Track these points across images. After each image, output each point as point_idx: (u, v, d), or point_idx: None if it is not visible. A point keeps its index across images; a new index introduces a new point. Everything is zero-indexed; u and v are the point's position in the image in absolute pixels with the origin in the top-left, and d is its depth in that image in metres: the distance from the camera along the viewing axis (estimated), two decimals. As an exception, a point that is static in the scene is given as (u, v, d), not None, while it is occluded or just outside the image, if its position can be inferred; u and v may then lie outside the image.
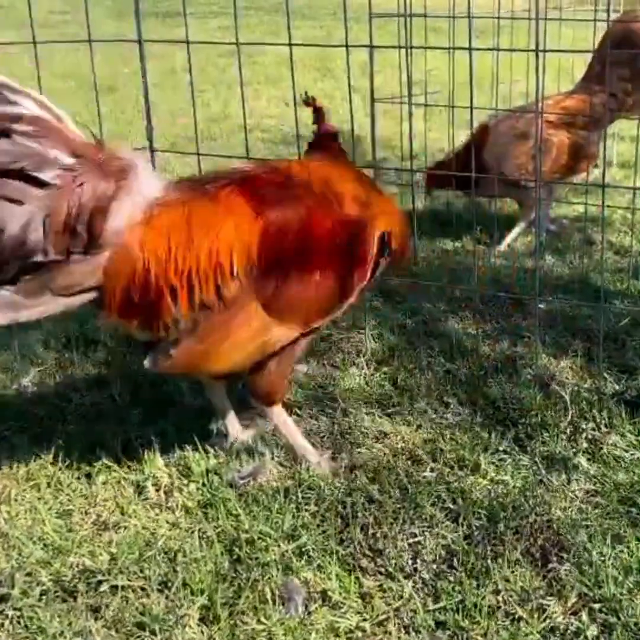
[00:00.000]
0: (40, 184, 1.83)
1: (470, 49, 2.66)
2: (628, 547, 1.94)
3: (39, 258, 1.84)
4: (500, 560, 1.92)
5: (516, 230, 4.00)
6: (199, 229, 1.97)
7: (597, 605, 1.79)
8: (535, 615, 1.78)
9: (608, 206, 4.17)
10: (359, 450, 2.34)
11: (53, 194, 1.83)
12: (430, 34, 3.86)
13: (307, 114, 2.44)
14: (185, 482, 2.21)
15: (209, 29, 11.71)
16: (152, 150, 3.05)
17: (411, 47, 3.12)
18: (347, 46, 2.67)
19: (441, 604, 1.81)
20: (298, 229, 2.04)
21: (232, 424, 2.38)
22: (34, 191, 1.82)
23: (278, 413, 2.25)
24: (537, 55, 2.53)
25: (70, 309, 1.95)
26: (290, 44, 2.71)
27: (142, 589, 1.86)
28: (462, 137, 4.04)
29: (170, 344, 2.01)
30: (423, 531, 2.02)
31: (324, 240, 2.07)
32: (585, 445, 2.34)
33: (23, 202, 1.81)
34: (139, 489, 2.20)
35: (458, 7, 3.67)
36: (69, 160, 1.86)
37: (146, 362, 2.05)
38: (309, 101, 2.36)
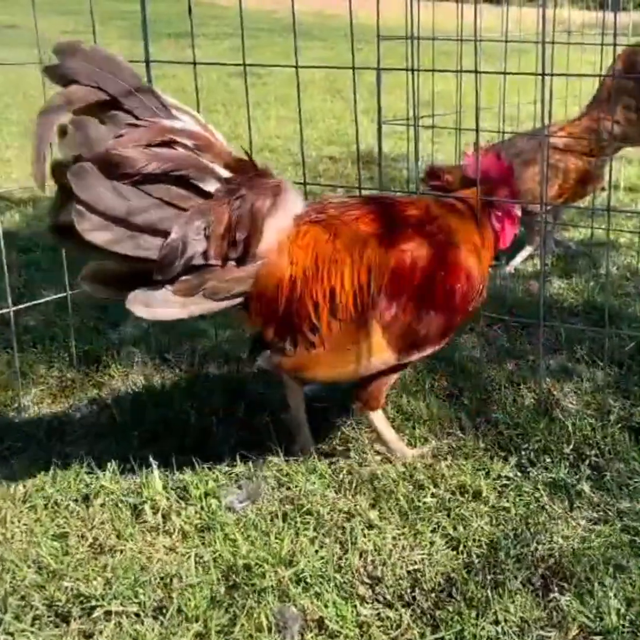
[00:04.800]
0: (202, 193, 1.99)
1: (476, 72, 2.65)
2: (631, 578, 1.91)
3: (197, 262, 1.99)
4: (500, 589, 1.89)
5: (522, 254, 3.99)
6: (343, 249, 2.16)
7: (598, 638, 1.76)
8: (535, 647, 1.75)
9: (614, 230, 4.17)
10: (360, 472, 2.32)
11: (215, 203, 2.00)
12: (441, 56, 3.87)
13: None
14: (183, 505, 2.19)
15: (220, 50, 11.81)
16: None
17: (418, 70, 3.13)
18: (353, 68, 2.67)
19: (440, 634, 1.78)
20: (426, 266, 2.20)
21: (304, 434, 2.43)
22: (196, 200, 1.98)
23: (377, 417, 2.37)
24: (543, 79, 2.52)
25: (215, 312, 2.11)
26: (296, 66, 2.71)
27: (136, 615, 1.83)
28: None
29: (286, 346, 2.16)
30: (422, 559, 2.00)
31: (444, 283, 2.24)
32: (588, 471, 2.31)
33: (185, 208, 1.96)
34: (137, 512, 2.18)
35: (466, 29, 3.67)
36: (226, 174, 2.03)
37: (260, 360, 2.19)
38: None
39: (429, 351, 2.30)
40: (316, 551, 2.02)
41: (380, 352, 2.20)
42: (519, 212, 2.48)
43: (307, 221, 2.17)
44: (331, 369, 2.21)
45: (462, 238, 2.31)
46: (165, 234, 1.94)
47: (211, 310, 2.08)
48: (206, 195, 2.00)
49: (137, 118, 1.92)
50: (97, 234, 1.89)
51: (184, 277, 1.99)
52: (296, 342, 2.15)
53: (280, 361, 2.18)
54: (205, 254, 1.99)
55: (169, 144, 1.95)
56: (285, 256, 2.11)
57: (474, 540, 2.04)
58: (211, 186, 2.00)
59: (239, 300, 2.10)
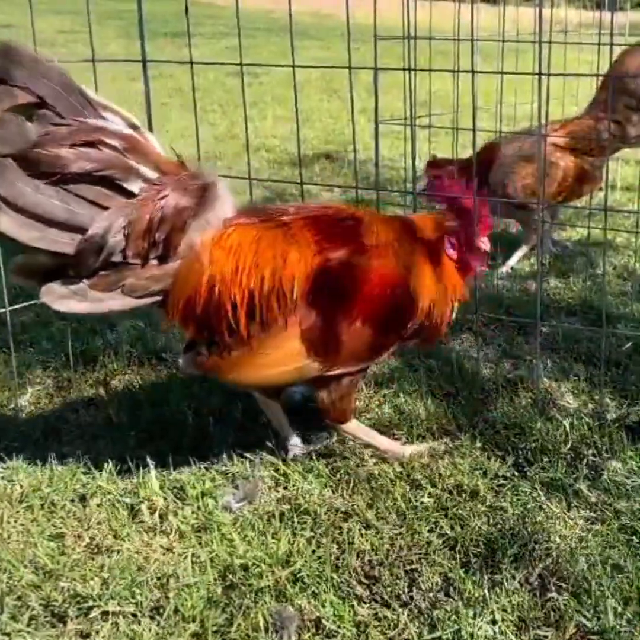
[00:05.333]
0: (126, 193, 2.00)
1: (473, 71, 2.65)
2: (628, 577, 1.91)
3: (116, 259, 2.00)
4: (497, 589, 1.89)
5: (519, 253, 3.99)
6: (267, 253, 2.11)
7: (595, 637, 1.76)
8: (533, 647, 1.74)
9: (611, 229, 4.17)
10: (357, 471, 2.32)
11: (137, 204, 2.00)
12: (438, 56, 3.86)
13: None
14: (180, 505, 2.19)
15: (217, 49, 11.79)
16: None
17: (415, 70, 3.13)
18: (350, 68, 2.67)
19: (437, 634, 1.78)
20: (352, 275, 2.16)
21: (289, 437, 2.43)
22: (119, 199, 1.99)
23: (351, 428, 2.36)
24: (540, 79, 2.52)
25: (133, 308, 2.09)
26: (293, 66, 2.71)
27: (133, 615, 1.83)
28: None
29: (207, 348, 2.14)
30: (420, 558, 2.00)
31: (373, 294, 2.18)
32: (585, 471, 2.31)
33: (107, 207, 1.98)
34: (134, 512, 2.18)
35: (463, 29, 3.67)
36: (153, 175, 2.03)
37: (181, 362, 2.19)
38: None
39: (358, 366, 2.24)
40: (313, 551, 2.02)
41: (300, 360, 2.14)
42: (485, 246, 2.36)
43: (235, 224, 2.13)
44: (250, 373, 2.16)
45: (410, 257, 2.24)
46: (85, 231, 1.96)
47: (130, 307, 2.07)
48: (130, 195, 2.01)
49: (63, 118, 1.94)
50: (16, 228, 1.92)
51: (101, 273, 2.01)
52: (215, 344, 2.12)
53: (201, 362, 2.15)
54: (123, 252, 2.00)
55: (95, 144, 1.96)
56: (206, 257, 2.08)
57: (471, 539, 2.04)
58: (136, 186, 2.01)
59: (158, 298, 2.09)
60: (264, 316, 2.10)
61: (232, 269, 2.09)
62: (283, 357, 2.14)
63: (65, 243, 1.96)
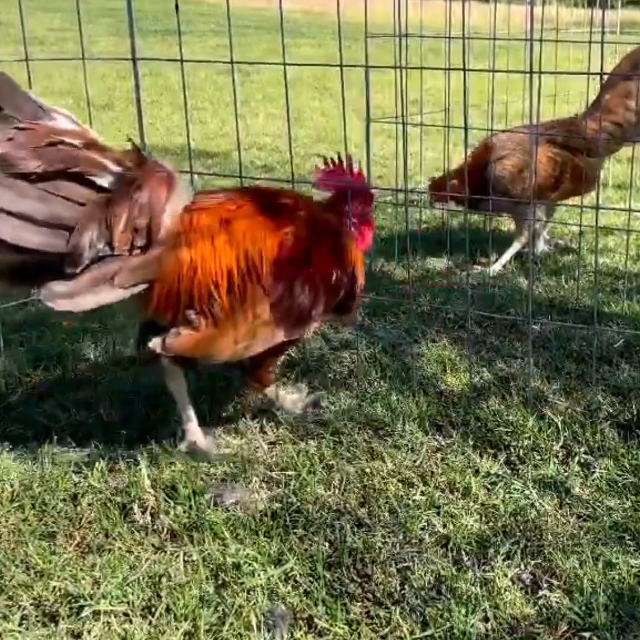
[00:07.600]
0: (97, 187, 2.07)
1: (464, 69, 2.65)
2: (620, 574, 1.91)
3: (104, 252, 2.08)
4: (489, 586, 1.89)
5: (511, 251, 3.99)
6: (236, 232, 2.26)
7: (587, 634, 1.76)
8: (525, 644, 1.75)
9: (602, 227, 4.18)
10: (348, 469, 2.32)
11: (114, 196, 2.07)
12: (429, 54, 3.86)
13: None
14: (172, 504, 2.18)
15: (208, 47, 11.77)
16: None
17: (406, 68, 3.13)
18: (341, 66, 2.67)
19: (429, 632, 1.78)
20: (307, 247, 2.34)
21: (193, 427, 2.43)
22: (93, 194, 2.06)
23: (271, 392, 2.58)
24: (531, 77, 2.52)
25: (120, 299, 2.13)
26: (284, 63, 2.71)
27: (125, 614, 1.82)
28: (458, 156, 4.03)
29: (180, 328, 2.22)
30: (412, 556, 1.99)
31: (325, 263, 2.38)
32: (577, 468, 2.32)
33: (85, 203, 2.04)
34: (125, 511, 2.17)
35: (455, 27, 3.67)
36: (116, 168, 2.10)
37: (152, 344, 2.22)
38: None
39: (306, 329, 2.40)
40: (305, 549, 2.01)
41: (269, 329, 2.29)
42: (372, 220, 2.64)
43: (198, 208, 2.25)
44: (223, 348, 2.26)
45: (331, 227, 2.46)
46: (68, 228, 2.02)
47: (120, 298, 2.13)
48: (101, 189, 2.07)
49: (20, 122, 2.00)
50: (17, 233, 1.98)
51: (91, 268, 2.07)
52: (186, 324, 2.22)
53: (177, 343, 2.22)
54: (110, 244, 2.07)
55: (57, 144, 2.01)
56: (184, 241, 2.19)
57: (464, 537, 2.04)
58: (105, 180, 2.07)
59: (144, 286, 2.16)
60: (242, 291, 2.23)
61: (209, 249, 2.21)
62: (253, 329, 2.27)
63: (54, 242, 2.02)
